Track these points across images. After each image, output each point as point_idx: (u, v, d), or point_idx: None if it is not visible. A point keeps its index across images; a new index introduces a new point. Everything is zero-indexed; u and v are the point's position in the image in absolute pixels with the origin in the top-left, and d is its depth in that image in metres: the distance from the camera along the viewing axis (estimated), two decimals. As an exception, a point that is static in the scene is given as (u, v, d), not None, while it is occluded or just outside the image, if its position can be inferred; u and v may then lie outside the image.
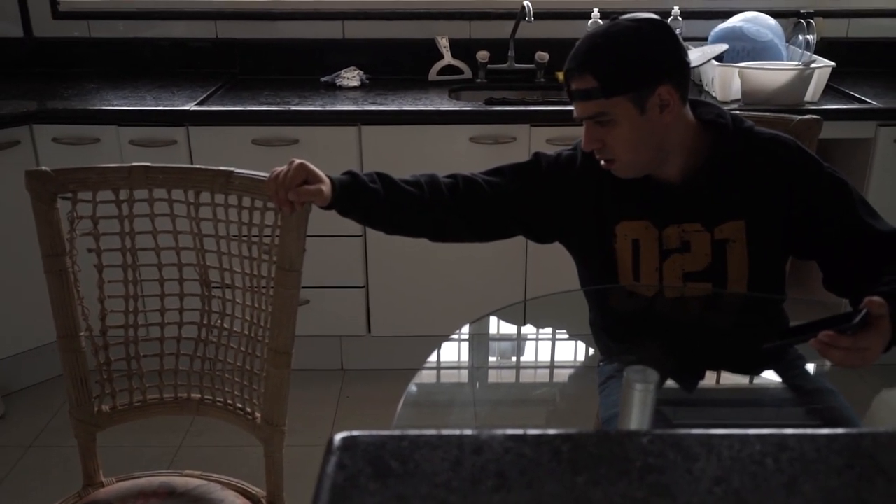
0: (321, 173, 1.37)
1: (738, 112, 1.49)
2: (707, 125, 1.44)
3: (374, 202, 1.42)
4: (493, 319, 1.85)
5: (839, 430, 0.68)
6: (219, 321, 1.54)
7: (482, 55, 2.95)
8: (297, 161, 1.35)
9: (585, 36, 1.39)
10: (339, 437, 0.70)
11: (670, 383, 1.50)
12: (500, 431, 0.69)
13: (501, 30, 3.01)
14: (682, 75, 1.39)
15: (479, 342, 1.79)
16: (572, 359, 1.91)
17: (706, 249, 1.45)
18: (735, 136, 1.42)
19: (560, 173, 1.51)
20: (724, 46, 2.51)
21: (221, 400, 1.56)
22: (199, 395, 1.58)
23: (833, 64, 2.59)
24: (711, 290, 1.48)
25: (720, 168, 1.42)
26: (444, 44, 2.97)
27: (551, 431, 0.69)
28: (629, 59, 1.34)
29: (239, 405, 1.54)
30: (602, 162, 1.43)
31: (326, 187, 1.36)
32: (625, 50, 1.34)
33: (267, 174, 1.38)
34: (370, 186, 1.42)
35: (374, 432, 0.71)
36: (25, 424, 2.57)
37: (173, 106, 2.57)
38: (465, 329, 1.72)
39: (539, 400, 1.77)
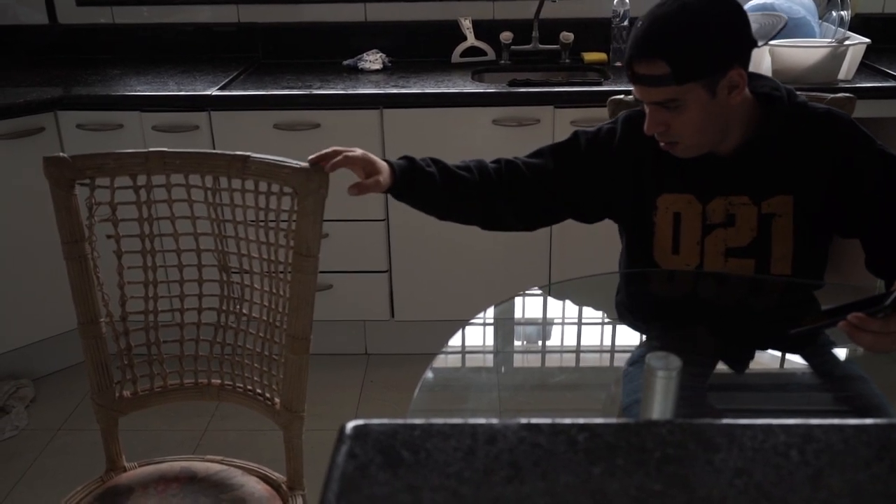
0: (380, 162, 1.40)
1: None
2: (760, 98, 1.41)
3: (430, 186, 1.43)
4: (517, 302, 1.82)
5: (868, 421, 0.65)
6: (237, 307, 1.53)
7: (506, 36, 2.91)
8: (361, 151, 1.38)
9: (653, 17, 1.32)
10: (350, 425, 0.69)
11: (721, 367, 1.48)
12: (514, 420, 0.67)
13: (525, 10, 2.96)
14: (750, 55, 1.36)
15: (503, 326, 1.77)
16: (598, 343, 1.88)
17: (752, 224, 1.43)
18: (789, 109, 1.40)
19: (599, 148, 1.50)
20: (784, 18, 2.40)
21: (241, 385, 1.56)
22: (219, 381, 1.58)
23: (868, 40, 2.52)
24: (753, 267, 1.45)
25: (772, 141, 1.40)
26: (467, 25, 2.93)
27: (567, 420, 0.67)
28: (704, 45, 1.29)
29: (258, 391, 1.54)
30: (662, 144, 1.40)
31: (384, 176, 1.38)
32: (699, 35, 1.29)
33: (287, 159, 1.40)
34: (426, 170, 1.43)
35: (387, 420, 0.69)
36: (54, 408, 2.61)
37: (195, 91, 2.57)
38: (489, 312, 1.69)
39: (563, 386, 1.74)
